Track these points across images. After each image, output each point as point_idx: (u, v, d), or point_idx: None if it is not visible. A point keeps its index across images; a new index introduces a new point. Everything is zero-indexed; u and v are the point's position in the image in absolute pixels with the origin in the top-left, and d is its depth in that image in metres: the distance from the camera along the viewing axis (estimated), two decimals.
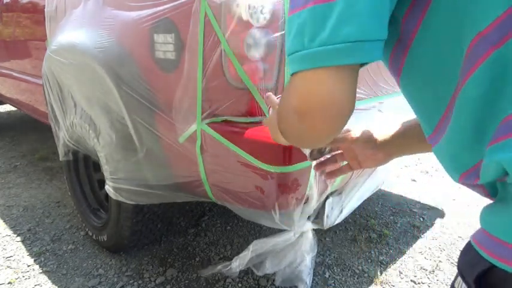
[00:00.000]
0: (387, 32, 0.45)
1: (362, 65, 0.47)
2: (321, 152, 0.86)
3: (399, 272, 1.74)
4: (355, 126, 0.82)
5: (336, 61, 0.43)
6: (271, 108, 0.84)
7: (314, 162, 0.90)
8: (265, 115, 1.12)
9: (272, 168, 1.04)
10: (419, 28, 0.47)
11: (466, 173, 0.50)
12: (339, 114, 0.47)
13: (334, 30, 0.42)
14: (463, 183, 0.53)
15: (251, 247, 1.37)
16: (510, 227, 0.44)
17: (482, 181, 0.48)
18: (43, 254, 1.83)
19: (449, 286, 0.55)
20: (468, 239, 0.51)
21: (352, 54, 0.43)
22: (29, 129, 3.84)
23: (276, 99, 0.81)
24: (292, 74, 0.48)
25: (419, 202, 2.41)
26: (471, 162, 0.48)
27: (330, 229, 2.01)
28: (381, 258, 1.83)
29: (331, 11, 0.42)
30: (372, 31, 0.43)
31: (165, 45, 1.18)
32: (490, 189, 0.50)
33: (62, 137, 1.85)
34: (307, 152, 0.86)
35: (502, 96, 0.43)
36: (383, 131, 0.79)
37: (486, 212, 0.49)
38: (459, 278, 0.50)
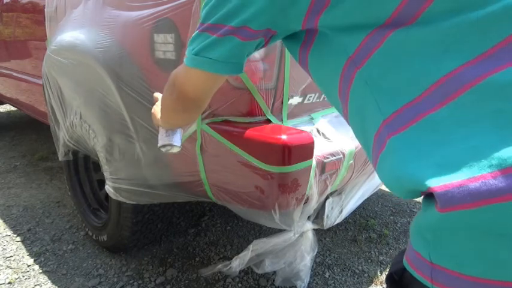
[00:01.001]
0: (242, 61, 0.63)
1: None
2: (165, 151, 0.93)
3: None
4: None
5: (199, 66, 0.63)
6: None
7: (314, 161, 0.89)
8: (265, 115, 1.12)
9: (272, 168, 1.04)
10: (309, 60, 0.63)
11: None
12: (198, 104, 0.71)
13: (204, 49, 0.61)
14: None
15: (251, 247, 1.37)
16: (412, 232, 0.50)
17: None
18: (43, 254, 1.83)
19: None
20: None
21: (208, 66, 0.62)
22: (29, 129, 3.84)
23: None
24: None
25: (419, 202, 2.41)
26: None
27: (330, 229, 2.01)
28: (381, 258, 1.83)
29: (207, 38, 0.60)
30: (225, 58, 0.61)
31: (165, 45, 1.18)
32: None
33: (62, 137, 1.85)
34: (159, 143, 0.92)
35: (366, 120, 0.55)
36: None
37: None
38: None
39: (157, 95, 0.94)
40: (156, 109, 0.89)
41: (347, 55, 0.54)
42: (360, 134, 0.59)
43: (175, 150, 0.93)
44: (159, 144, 0.92)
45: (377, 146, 0.53)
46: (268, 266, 1.41)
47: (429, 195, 0.46)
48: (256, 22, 0.57)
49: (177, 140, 0.92)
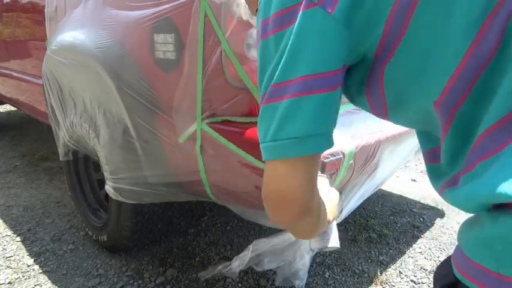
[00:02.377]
0: (334, 124, 0.49)
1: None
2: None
3: (399, 272, 1.74)
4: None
5: (283, 155, 0.47)
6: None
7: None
8: None
9: None
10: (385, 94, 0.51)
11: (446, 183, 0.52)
12: (290, 202, 0.50)
13: (279, 127, 0.46)
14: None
15: (251, 247, 1.37)
16: (473, 245, 0.46)
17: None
18: (43, 254, 1.83)
19: None
20: None
21: (295, 149, 0.47)
22: (29, 129, 3.84)
23: None
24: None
25: (419, 202, 2.41)
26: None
27: None
28: (381, 258, 1.83)
29: (276, 109, 0.46)
30: (314, 127, 0.47)
31: (165, 45, 1.18)
32: None
33: (62, 137, 1.85)
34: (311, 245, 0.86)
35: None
36: None
37: (463, 226, 0.50)
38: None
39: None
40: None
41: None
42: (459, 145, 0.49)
43: (328, 249, 0.85)
44: (311, 245, 0.84)
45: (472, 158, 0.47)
46: (267, 264, 1.41)
47: (502, 206, 0.43)
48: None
49: (334, 240, 0.84)
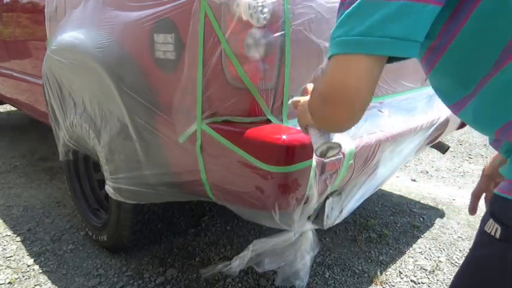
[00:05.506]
0: (424, 37, 0.52)
1: (389, 61, 0.54)
2: (323, 155, 0.84)
3: (399, 272, 1.74)
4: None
5: (374, 51, 0.50)
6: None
7: (314, 161, 0.89)
8: (265, 115, 1.12)
9: (272, 168, 1.04)
10: (458, 35, 0.56)
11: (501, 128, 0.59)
12: (357, 100, 0.54)
13: (379, 24, 0.49)
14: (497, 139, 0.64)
15: (251, 247, 1.37)
16: None
17: None
18: (43, 254, 1.83)
19: (478, 230, 0.62)
20: (467, 243, 0.57)
21: (390, 48, 0.50)
22: (29, 129, 3.84)
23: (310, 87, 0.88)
24: (329, 58, 0.55)
25: (419, 202, 2.41)
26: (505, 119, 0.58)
27: (330, 229, 2.01)
28: (381, 258, 1.83)
29: (379, 9, 0.49)
30: (411, 35, 0.51)
31: (165, 45, 1.18)
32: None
33: (62, 137, 1.85)
34: (315, 146, 0.83)
35: None
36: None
37: (509, 167, 0.58)
38: (490, 221, 0.58)
39: (309, 87, 0.87)
40: (302, 108, 0.81)
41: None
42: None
43: (335, 151, 0.82)
44: (315, 148, 0.82)
45: None
46: (267, 264, 1.41)
47: None
48: None
49: (330, 136, 0.82)
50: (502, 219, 0.57)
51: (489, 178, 0.88)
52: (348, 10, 0.51)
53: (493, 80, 0.57)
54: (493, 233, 0.57)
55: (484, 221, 0.60)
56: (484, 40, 0.56)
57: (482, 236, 0.60)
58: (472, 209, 0.91)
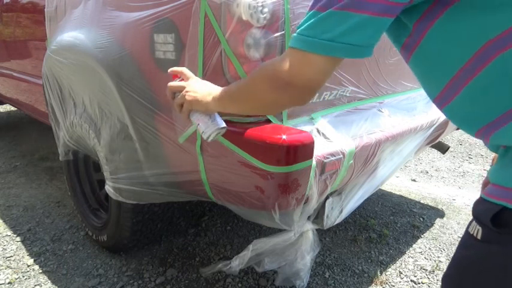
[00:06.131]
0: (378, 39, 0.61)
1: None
2: (212, 139, 0.92)
3: (399, 272, 1.74)
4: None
5: (335, 54, 0.59)
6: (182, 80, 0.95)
7: (314, 161, 0.90)
8: (265, 115, 1.12)
9: (272, 168, 1.04)
10: (428, 31, 0.61)
11: (481, 129, 0.63)
12: (316, 88, 0.66)
13: (345, 33, 0.57)
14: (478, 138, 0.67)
15: (251, 247, 1.37)
16: (510, 178, 0.58)
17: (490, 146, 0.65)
18: (43, 254, 1.83)
19: (464, 233, 0.65)
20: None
21: (349, 52, 0.59)
22: (29, 129, 3.84)
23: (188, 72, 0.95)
24: (290, 47, 0.63)
25: (419, 202, 2.41)
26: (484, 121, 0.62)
27: (330, 229, 2.01)
28: (381, 258, 1.83)
29: (346, 20, 0.56)
30: (369, 41, 0.59)
31: (165, 45, 1.18)
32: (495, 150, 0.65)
33: (62, 137, 1.85)
34: (206, 131, 0.90)
35: (505, 90, 0.57)
36: None
37: (493, 171, 0.62)
38: (474, 223, 0.62)
39: (188, 73, 0.93)
40: (198, 94, 0.87)
41: (487, 38, 0.55)
42: (480, 110, 0.61)
43: (222, 132, 0.91)
44: (208, 133, 0.89)
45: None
46: (267, 264, 1.41)
47: None
48: None
49: (221, 121, 0.91)
50: (483, 221, 0.60)
51: None
52: (321, 14, 0.58)
53: (470, 83, 0.60)
54: (475, 234, 0.60)
55: (469, 224, 0.64)
56: (456, 40, 0.60)
57: (465, 238, 0.63)
58: None
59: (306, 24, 0.60)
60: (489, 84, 0.58)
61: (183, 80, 0.96)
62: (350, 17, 0.55)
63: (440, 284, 0.70)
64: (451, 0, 0.56)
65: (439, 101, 0.68)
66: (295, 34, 0.63)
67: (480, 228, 0.60)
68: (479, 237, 0.59)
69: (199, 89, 0.89)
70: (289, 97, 0.67)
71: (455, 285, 0.66)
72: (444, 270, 1.72)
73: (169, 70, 0.99)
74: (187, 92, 0.91)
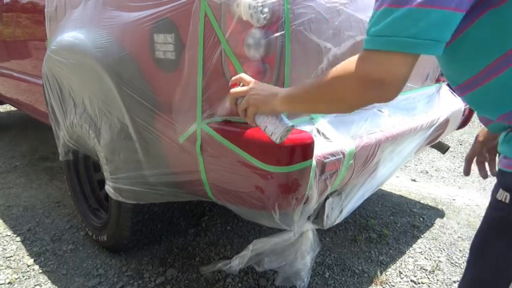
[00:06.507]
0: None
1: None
2: (282, 140, 0.91)
3: (399, 272, 1.74)
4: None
5: (416, 51, 0.61)
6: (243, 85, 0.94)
7: (314, 161, 0.90)
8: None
9: (272, 168, 1.04)
10: (480, 18, 0.64)
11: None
12: (400, 89, 0.66)
13: (426, 29, 0.59)
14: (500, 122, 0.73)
15: (251, 246, 1.37)
16: None
17: None
18: (43, 254, 1.83)
19: (491, 200, 0.74)
20: (467, 243, 0.63)
21: (431, 48, 0.61)
22: (29, 129, 3.84)
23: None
24: (370, 50, 0.65)
25: (419, 202, 2.41)
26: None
27: (330, 229, 2.01)
28: (381, 258, 1.83)
29: (427, 16, 0.58)
30: (447, 37, 0.62)
31: (165, 45, 1.18)
32: None
33: (62, 137, 1.85)
34: (275, 133, 0.89)
35: None
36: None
37: (507, 147, 0.71)
38: (501, 191, 0.72)
39: (247, 78, 0.93)
40: (263, 96, 0.87)
41: None
42: None
43: (291, 131, 0.91)
44: (278, 134, 0.89)
45: None
46: (267, 264, 1.41)
47: None
48: None
49: (288, 120, 0.91)
50: (510, 188, 0.71)
51: (482, 144, 1.02)
52: (398, 12, 0.60)
53: (498, 77, 0.67)
54: (503, 200, 0.71)
55: (494, 192, 0.73)
56: (486, 44, 0.66)
57: (495, 203, 0.73)
58: (466, 172, 1.05)
59: (383, 23, 0.62)
60: None
61: (243, 86, 0.94)
62: (431, 13, 0.58)
63: (473, 241, 0.78)
64: None
65: (467, 85, 0.73)
66: (372, 34, 0.64)
67: (508, 194, 0.70)
68: (507, 201, 0.70)
69: (262, 91, 0.89)
70: (377, 95, 0.68)
71: (483, 240, 0.75)
72: (443, 270, 1.72)
73: (230, 82, 0.98)
74: (251, 95, 0.90)
